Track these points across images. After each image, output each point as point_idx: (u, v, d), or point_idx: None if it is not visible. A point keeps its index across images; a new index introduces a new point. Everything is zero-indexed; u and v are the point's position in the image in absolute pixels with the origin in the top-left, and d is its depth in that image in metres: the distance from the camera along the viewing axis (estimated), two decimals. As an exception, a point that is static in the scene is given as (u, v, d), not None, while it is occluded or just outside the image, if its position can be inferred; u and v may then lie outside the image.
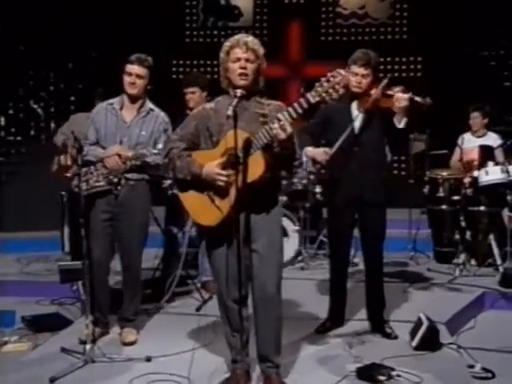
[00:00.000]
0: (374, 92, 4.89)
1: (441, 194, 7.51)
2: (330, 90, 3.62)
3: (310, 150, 4.97)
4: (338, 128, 4.98)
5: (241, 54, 3.87)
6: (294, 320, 5.40)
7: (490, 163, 7.17)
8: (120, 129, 4.95)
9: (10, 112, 9.53)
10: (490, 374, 4.63)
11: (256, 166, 3.74)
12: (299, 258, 7.51)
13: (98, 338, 4.91)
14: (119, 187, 4.86)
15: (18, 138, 9.28)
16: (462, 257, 7.27)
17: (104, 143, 4.93)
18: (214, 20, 11.53)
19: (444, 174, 7.59)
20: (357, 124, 5.00)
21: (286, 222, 7.48)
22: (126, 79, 4.93)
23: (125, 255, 5.07)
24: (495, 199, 7.27)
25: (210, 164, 3.85)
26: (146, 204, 5.07)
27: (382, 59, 10.67)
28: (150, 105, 5.08)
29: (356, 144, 4.97)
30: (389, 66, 10.95)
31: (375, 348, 4.82)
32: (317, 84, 3.65)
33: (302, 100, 3.68)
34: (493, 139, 7.78)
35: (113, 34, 10.05)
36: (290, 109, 3.70)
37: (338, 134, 4.93)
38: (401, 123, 4.83)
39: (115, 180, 4.85)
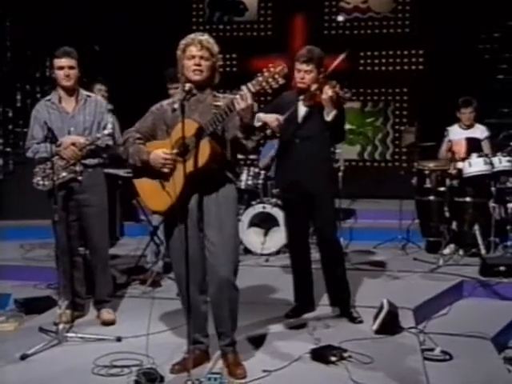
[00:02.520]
0: (313, 87, 5.14)
1: (428, 185, 7.65)
2: (270, 80, 3.81)
3: (262, 115, 5.15)
4: (284, 121, 5.18)
5: (195, 51, 4.09)
6: (269, 305, 5.70)
7: (474, 155, 7.31)
8: (65, 120, 5.20)
9: (18, 105, 9.83)
10: (447, 357, 4.83)
11: (202, 154, 3.96)
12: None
13: (74, 320, 5.20)
14: (80, 174, 5.13)
15: (25, 130, 9.49)
16: (451, 246, 7.46)
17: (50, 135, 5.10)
18: (219, 15, 11.70)
19: (431, 165, 7.71)
20: (300, 117, 5.24)
21: (277, 212, 7.70)
22: (60, 73, 5.16)
23: (90, 241, 5.34)
24: (481, 190, 7.42)
25: (157, 151, 4.10)
26: (104, 189, 5.35)
27: (384, 52, 10.97)
28: (84, 92, 5.34)
29: (298, 136, 5.21)
30: (391, 60, 11.07)
31: (338, 331, 5.02)
32: (258, 74, 3.86)
33: (244, 89, 3.88)
34: (480, 131, 7.87)
35: (118, 29, 10.29)
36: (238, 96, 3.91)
37: (285, 128, 5.16)
38: (329, 116, 5.05)
39: (77, 168, 5.11)
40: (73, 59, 5.17)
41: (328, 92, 4.95)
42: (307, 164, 5.18)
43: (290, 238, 5.59)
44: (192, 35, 4.18)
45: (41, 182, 5.14)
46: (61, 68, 5.16)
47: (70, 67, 5.15)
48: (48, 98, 5.33)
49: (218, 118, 3.96)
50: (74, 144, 5.06)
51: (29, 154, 5.30)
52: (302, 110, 5.24)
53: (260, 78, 3.84)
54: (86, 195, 5.20)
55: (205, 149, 3.97)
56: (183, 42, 4.16)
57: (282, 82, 3.83)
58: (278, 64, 3.82)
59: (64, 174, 5.09)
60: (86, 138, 5.09)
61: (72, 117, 5.22)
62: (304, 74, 5.14)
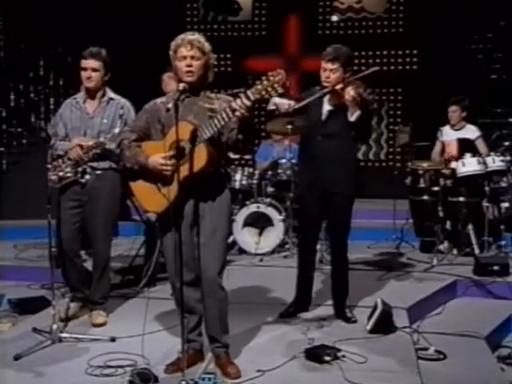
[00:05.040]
0: (338, 87, 5.09)
1: (422, 184, 7.66)
2: (269, 89, 3.81)
3: (277, 99, 5.15)
4: (309, 118, 5.27)
5: (186, 52, 4.09)
6: (264, 305, 5.69)
7: (467, 155, 7.33)
8: (84, 121, 5.19)
9: (12, 104, 9.80)
10: (441, 356, 4.85)
11: (198, 159, 3.97)
12: (284, 247, 7.72)
13: (76, 313, 5.32)
14: (86, 176, 5.10)
15: (19, 130, 9.53)
16: (445, 246, 7.47)
17: (71, 137, 5.15)
18: (214, 14, 11.69)
19: (425, 165, 7.73)
20: (324, 115, 5.21)
21: (271, 212, 7.71)
22: (83, 74, 5.15)
23: (92, 241, 5.32)
24: (474, 190, 7.43)
25: (155, 155, 4.08)
26: (113, 192, 5.26)
27: (378, 53, 10.98)
28: (110, 94, 5.30)
29: (321, 134, 5.18)
30: (385, 60, 11.07)
31: (332, 331, 5.03)
32: (257, 82, 3.84)
33: (243, 97, 3.87)
34: (471, 131, 7.88)
35: (112, 29, 10.26)
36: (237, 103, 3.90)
37: (308, 124, 5.25)
38: (353, 116, 5.02)
39: (80, 169, 5.08)
40: (98, 61, 5.13)
41: (350, 93, 4.91)
42: (329, 162, 5.15)
43: (303, 237, 5.54)
44: (182, 35, 4.16)
45: (53, 178, 5.13)
46: (84, 69, 5.14)
47: (93, 69, 5.12)
48: (75, 96, 5.33)
49: (215, 124, 3.96)
50: (81, 145, 5.03)
51: (52, 150, 5.24)
52: (327, 107, 5.21)
53: (259, 87, 3.82)
54: (93, 196, 5.19)
55: (201, 154, 3.97)
56: (174, 43, 4.15)
57: (280, 91, 3.83)
58: (277, 72, 3.80)
59: (70, 174, 5.07)
60: (94, 141, 5.05)
61: (91, 118, 5.21)
62: (329, 73, 5.07)
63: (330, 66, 5.08)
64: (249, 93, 3.87)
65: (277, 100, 5.15)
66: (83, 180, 5.13)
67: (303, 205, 5.46)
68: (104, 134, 5.12)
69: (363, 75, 5.15)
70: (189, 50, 4.08)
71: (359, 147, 11.04)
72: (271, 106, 5.22)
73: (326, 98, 5.21)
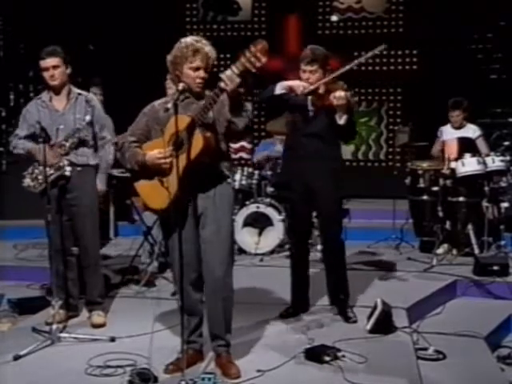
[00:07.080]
0: (321, 89, 5.11)
1: (421, 184, 7.64)
2: (252, 59, 3.74)
3: (286, 82, 5.17)
4: (294, 117, 5.32)
5: (200, 63, 4.07)
6: (264, 305, 5.68)
7: (467, 155, 7.32)
8: (54, 118, 5.17)
9: (11, 104, 9.81)
10: (440, 356, 4.86)
11: (195, 145, 3.97)
12: (284, 247, 7.71)
13: (67, 320, 5.21)
14: (67, 168, 5.04)
15: (19, 130, 9.53)
16: (445, 246, 7.47)
17: (49, 134, 5.09)
18: (213, 14, 11.68)
19: (424, 165, 7.71)
20: (309, 115, 5.24)
21: (271, 212, 7.70)
22: (45, 74, 5.14)
23: (81, 240, 5.31)
24: (474, 190, 7.40)
25: (152, 151, 4.09)
26: (94, 187, 5.30)
27: (378, 53, 10.94)
28: (76, 89, 5.30)
29: (305, 133, 5.22)
30: (385, 60, 11.04)
31: (332, 331, 5.03)
32: (240, 55, 3.80)
33: (227, 71, 3.85)
34: (472, 131, 7.86)
35: (112, 28, 10.26)
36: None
37: (292, 125, 5.30)
38: (341, 120, 5.04)
39: (61, 164, 5.04)
40: (57, 57, 5.12)
41: (342, 95, 4.90)
42: (313, 161, 5.17)
43: (293, 236, 5.58)
44: (198, 44, 4.09)
45: (31, 184, 5.13)
46: (45, 69, 5.13)
47: (54, 67, 5.11)
48: (39, 96, 5.33)
49: (206, 106, 3.96)
50: (51, 145, 5.02)
51: (10, 148, 5.35)
52: (311, 108, 5.22)
53: (242, 59, 3.78)
54: (76, 194, 5.18)
55: (198, 141, 3.97)
56: (191, 48, 4.06)
57: (264, 60, 3.78)
58: (258, 42, 3.75)
59: (51, 171, 5.03)
60: (66, 133, 5.06)
61: (62, 114, 5.20)
62: (309, 75, 5.11)
63: (309, 67, 5.11)
64: (233, 67, 3.83)
65: (287, 82, 5.15)
66: (67, 173, 5.07)
67: (290, 205, 5.52)
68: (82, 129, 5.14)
69: (371, 55, 5.17)
70: (203, 61, 4.08)
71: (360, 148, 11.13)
72: (279, 91, 5.15)
73: (310, 99, 5.22)
